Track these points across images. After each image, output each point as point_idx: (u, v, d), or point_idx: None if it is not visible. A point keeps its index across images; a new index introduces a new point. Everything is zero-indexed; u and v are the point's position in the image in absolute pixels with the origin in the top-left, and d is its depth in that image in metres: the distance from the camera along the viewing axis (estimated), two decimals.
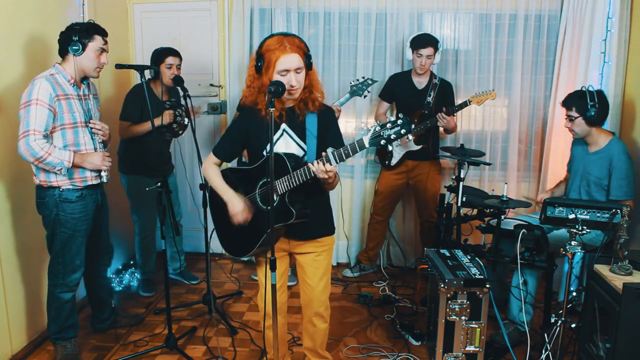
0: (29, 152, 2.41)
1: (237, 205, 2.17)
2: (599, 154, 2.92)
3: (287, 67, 2.00)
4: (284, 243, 2.28)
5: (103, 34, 2.61)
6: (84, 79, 2.69)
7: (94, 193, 2.72)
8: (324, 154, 1.97)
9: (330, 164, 1.95)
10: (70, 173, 2.57)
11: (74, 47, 2.53)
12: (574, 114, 2.88)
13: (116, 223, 3.09)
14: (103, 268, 3.04)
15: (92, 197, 2.71)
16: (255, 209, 2.20)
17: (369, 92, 3.43)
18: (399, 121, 1.83)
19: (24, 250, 2.84)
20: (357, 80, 3.41)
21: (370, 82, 3.40)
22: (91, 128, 2.66)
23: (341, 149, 1.94)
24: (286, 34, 2.07)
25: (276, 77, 2.02)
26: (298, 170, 2.04)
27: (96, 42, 2.57)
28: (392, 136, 1.83)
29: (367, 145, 1.89)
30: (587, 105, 2.82)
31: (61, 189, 2.58)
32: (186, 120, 3.45)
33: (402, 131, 1.82)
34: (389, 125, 1.83)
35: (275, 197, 2.09)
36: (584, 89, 2.89)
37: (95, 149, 2.68)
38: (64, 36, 2.57)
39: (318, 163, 1.96)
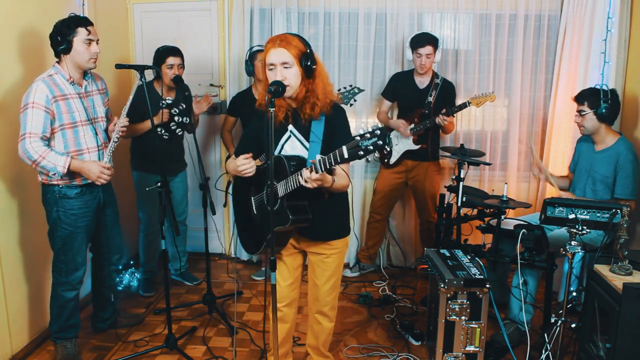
0: (26, 155, 2.45)
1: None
2: (606, 152, 2.94)
3: (272, 61, 2.01)
4: (295, 241, 2.30)
5: (85, 24, 2.56)
6: (85, 73, 2.69)
7: (94, 190, 2.72)
8: (312, 161, 1.92)
9: (317, 172, 1.89)
10: (70, 175, 2.58)
11: (61, 47, 2.54)
12: (585, 109, 2.90)
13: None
14: (111, 267, 3.04)
15: (92, 194, 2.71)
16: (262, 210, 2.23)
17: (355, 100, 3.42)
18: (377, 132, 1.76)
19: (25, 250, 2.84)
20: (345, 88, 3.41)
21: (357, 90, 3.39)
22: (110, 131, 2.71)
23: (325, 157, 1.87)
24: (285, 33, 2.09)
25: (267, 73, 2.05)
26: (295, 174, 2.01)
27: (80, 35, 2.54)
28: (370, 147, 1.75)
29: (346, 155, 1.80)
30: (599, 101, 2.85)
31: (60, 186, 2.60)
32: (186, 118, 3.46)
33: (379, 143, 1.72)
34: (367, 135, 1.76)
35: (277, 199, 2.10)
36: (597, 86, 2.93)
37: (98, 147, 2.69)
38: (52, 37, 2.56)
39: (306, 170, 1.92)
